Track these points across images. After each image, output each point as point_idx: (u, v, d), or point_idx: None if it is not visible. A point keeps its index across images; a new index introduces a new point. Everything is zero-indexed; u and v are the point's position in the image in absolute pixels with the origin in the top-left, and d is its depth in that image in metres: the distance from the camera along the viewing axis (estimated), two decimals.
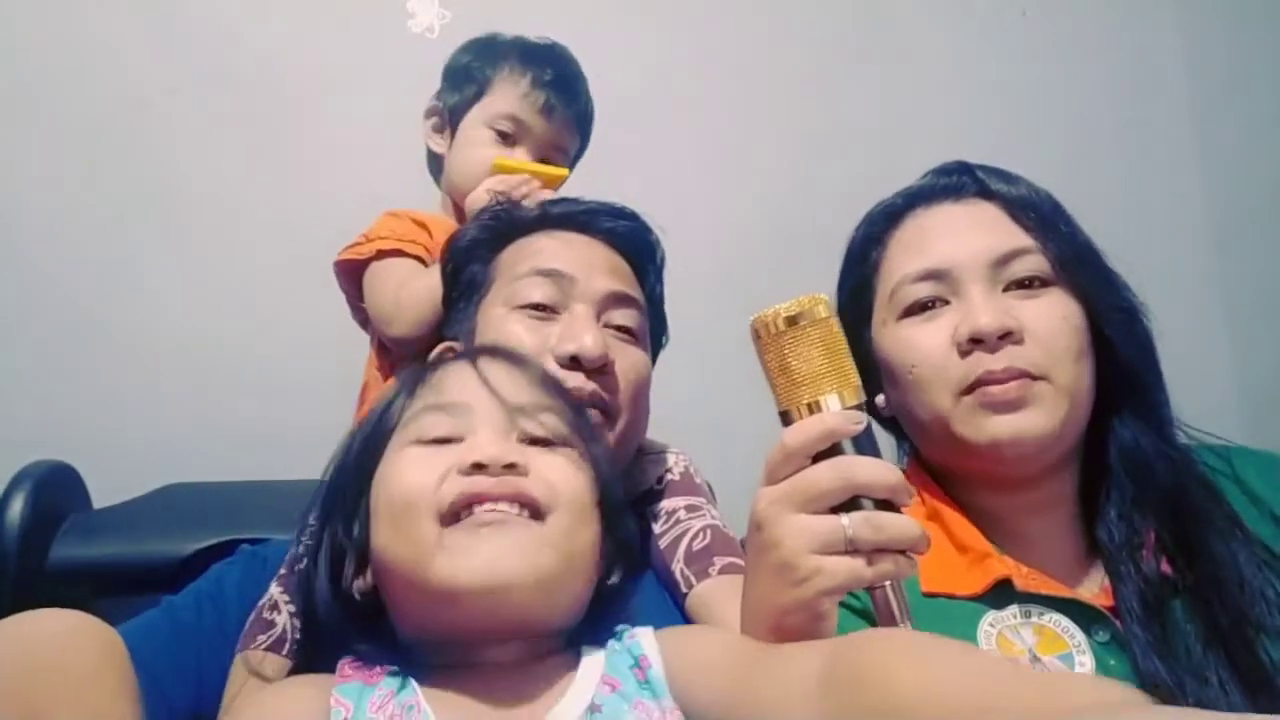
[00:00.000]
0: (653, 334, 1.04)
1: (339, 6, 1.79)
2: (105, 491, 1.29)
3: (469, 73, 1.35)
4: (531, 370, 0.77)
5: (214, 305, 1.64)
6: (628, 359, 0.95)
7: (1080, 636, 0.79)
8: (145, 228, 1.66)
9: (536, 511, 0.65)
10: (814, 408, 0.64)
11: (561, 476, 0.68)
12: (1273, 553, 0.81)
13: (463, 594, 0.63)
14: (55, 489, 1.23)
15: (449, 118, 1.35)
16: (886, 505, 0.62)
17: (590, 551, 0.69)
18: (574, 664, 0.68)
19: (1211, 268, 1.98)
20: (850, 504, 0.62)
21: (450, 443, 0.69)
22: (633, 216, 1.03)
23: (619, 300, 0.97)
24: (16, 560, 1.15)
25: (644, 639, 0.69)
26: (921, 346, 0.85)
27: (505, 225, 1.03)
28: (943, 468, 0.89)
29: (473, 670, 0.65)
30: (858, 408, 0.64)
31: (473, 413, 0.70)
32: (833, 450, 0.63)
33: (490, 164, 1.25)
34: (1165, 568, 0.81)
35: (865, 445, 0.64)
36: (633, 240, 1.02)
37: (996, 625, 0.80)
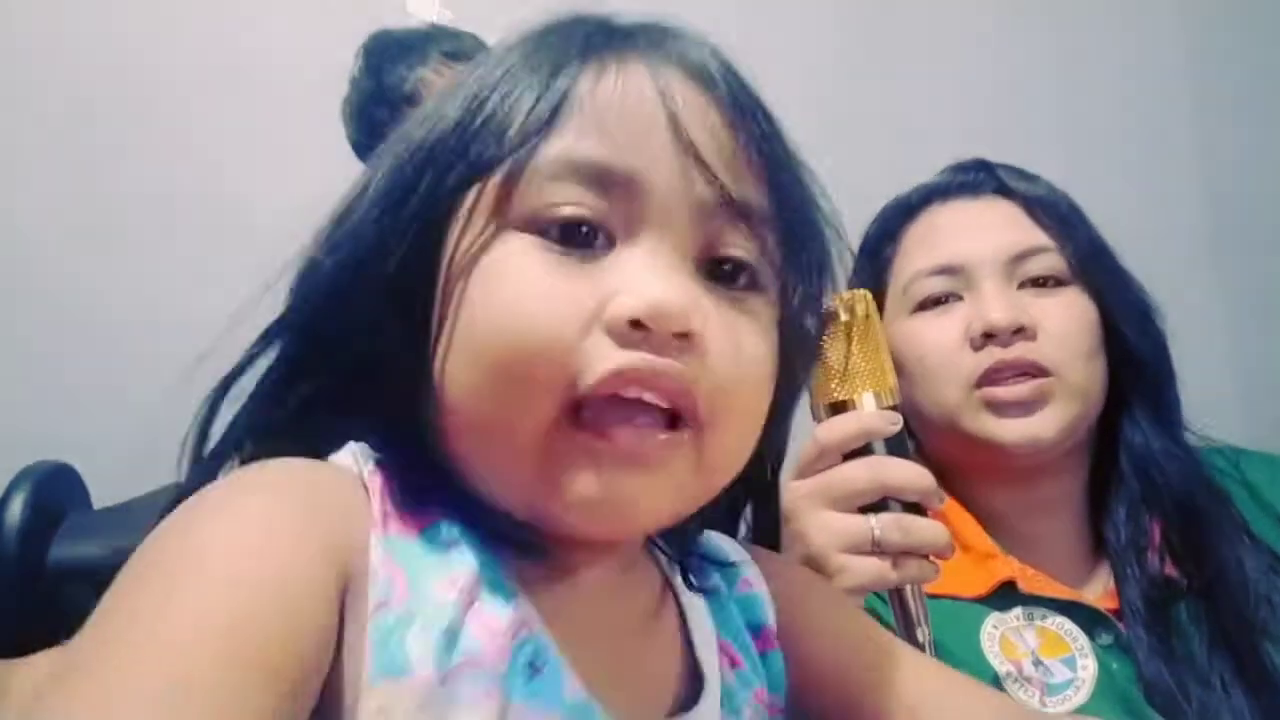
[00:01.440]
0: None
1: (339, 6, 1.78)
2: (105, 491, 1.29)
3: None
4: (753, 109, 0.47)
5: (214, 305, 1.63)
6: None
7: (1083, 640, 0.78)
8: (145, 228, 1.66)
9: (696, 417, 0.42)
10: (849, 405, 0.64)
11: (747, 358, 0.44)
12: (1279, 557, 0.80)
13: (575, 524, 0.43)
14: (55, 489, 1.22)
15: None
16: (913, 508, 0.62)
17: (750, 451, 0.47)
18: (660, 588, 0.50)
19: (1211, 268, 1.97)
20: (878, 504, 0.61)
21: (590, 242, 0.42)
22: None
23: None
24: (16, 560, 1.14)
25: (762, 591, 0.52)
26: (933, 339, 0.85)
27: None
28: (948, 464, 0.89)
29: (560, 579, 0.45)
30: (893, 409, 0.64)
31: (646, 196, 0.43)
32: (865, 449, 0.63)
33: None
34: (1170, 570, 0.80)
35: (897, 447, 0.63)
36: None
37: (999, 627, 0.79)
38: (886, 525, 0.60)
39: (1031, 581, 0.81)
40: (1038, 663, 0.77)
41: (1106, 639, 0.79)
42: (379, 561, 0.38)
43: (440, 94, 0.48)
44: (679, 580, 0.51)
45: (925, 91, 1.92)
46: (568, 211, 0.42)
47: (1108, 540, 0.84)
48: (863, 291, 0.66)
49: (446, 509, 0.43)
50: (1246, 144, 1.95)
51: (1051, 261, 0.85)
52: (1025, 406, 0.81)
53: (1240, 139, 1.95)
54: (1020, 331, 0.81)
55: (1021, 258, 0.85)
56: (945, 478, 0.89)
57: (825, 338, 0.64)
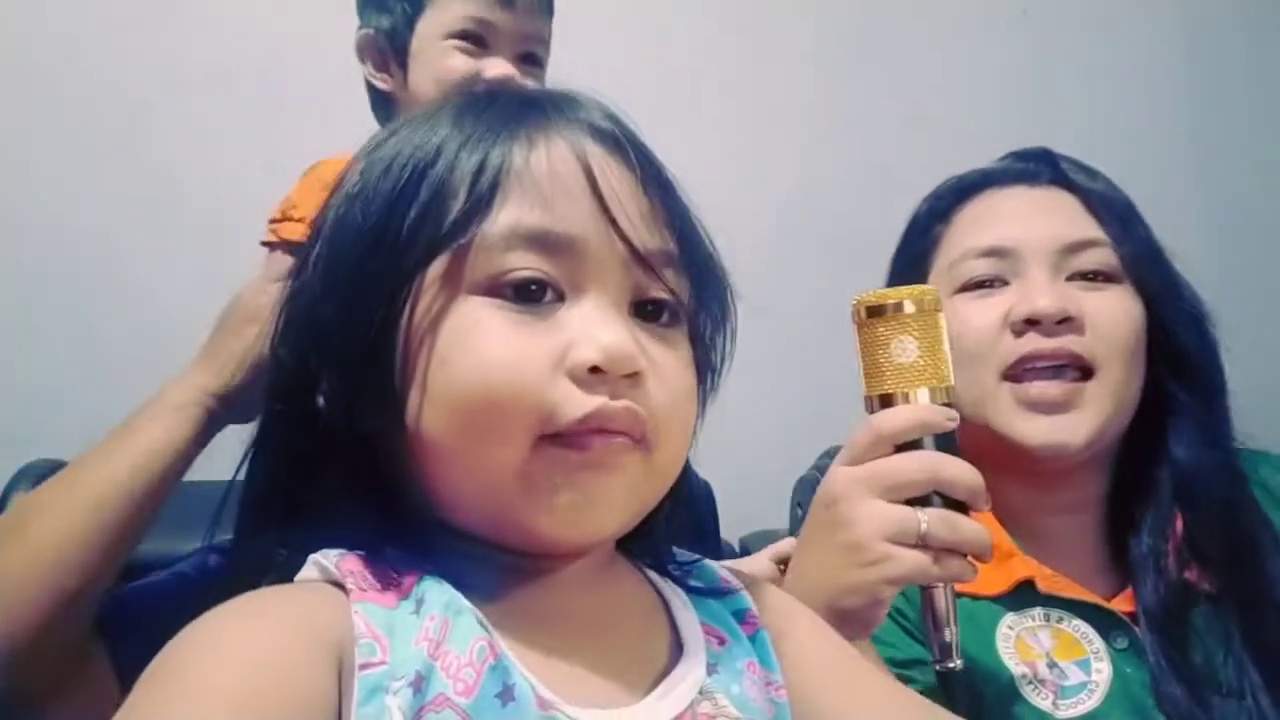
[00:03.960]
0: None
1: (339, 6, 1.78)
2: None
3: None
4: (652, 165, 0.54)
5: (214, 305, 1.63)
6: None
7: (1099, 643, 0.78)
8: (145, 228, 1.65)
9: (644, 439, 0.49)
10: (903, 398, 0.64)
11: (676, 387, 0.51)
12: None
13: (553, 531, 0.48)
14: None
15: (389, 46, 1.12)
16: (956, 506, 0.62)
17: (686, 456, 0.54)
18: (641, 582, 0.56)
19: (1211, 268, 1.98)
20: (921, 499, 0.62)
21: (541, 298, 0.48)
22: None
23: None
24: None
25: (742, 589, 0.56)
26: (973, 321, 0.82)
27: None
28: (971, 456, 0.87)
29: (538, 583, 0.50)
30: (947, 406, 0.64)
31: (585, 256, 0.49)
32: (915, 443, 0.63)
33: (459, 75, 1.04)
34: (1188, 574, 0.79)
35: (946, 445, 0.64)
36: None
37: (1015, 628, 0.79)
38: (934, 520, 0.60)
39: (1050, 581, 0.80)
40: (1052, 665, 0.77)
41: (1122, 643, 0.78)
42: (363, 627, 0.43)
43: (366, 168, 0.52)
44: (661, 580, 0.56)
45: (923, 93, 1.92)
46: (522, 275, 0.48)
47: (1128, 545, 0.82)
48: (931, 287, 0.66)
49: (419, 570, 0.47)
50: (1247, 145, 1.95)
51: (1103, 256, 0.83)
52: (1058, 405, 0.79)
53: (1240, 140, 1.96)
54: (1066, 321, 0.79)
55: (1073, 249, 0.83)
56: None
57: (886, 330, 0.64)
